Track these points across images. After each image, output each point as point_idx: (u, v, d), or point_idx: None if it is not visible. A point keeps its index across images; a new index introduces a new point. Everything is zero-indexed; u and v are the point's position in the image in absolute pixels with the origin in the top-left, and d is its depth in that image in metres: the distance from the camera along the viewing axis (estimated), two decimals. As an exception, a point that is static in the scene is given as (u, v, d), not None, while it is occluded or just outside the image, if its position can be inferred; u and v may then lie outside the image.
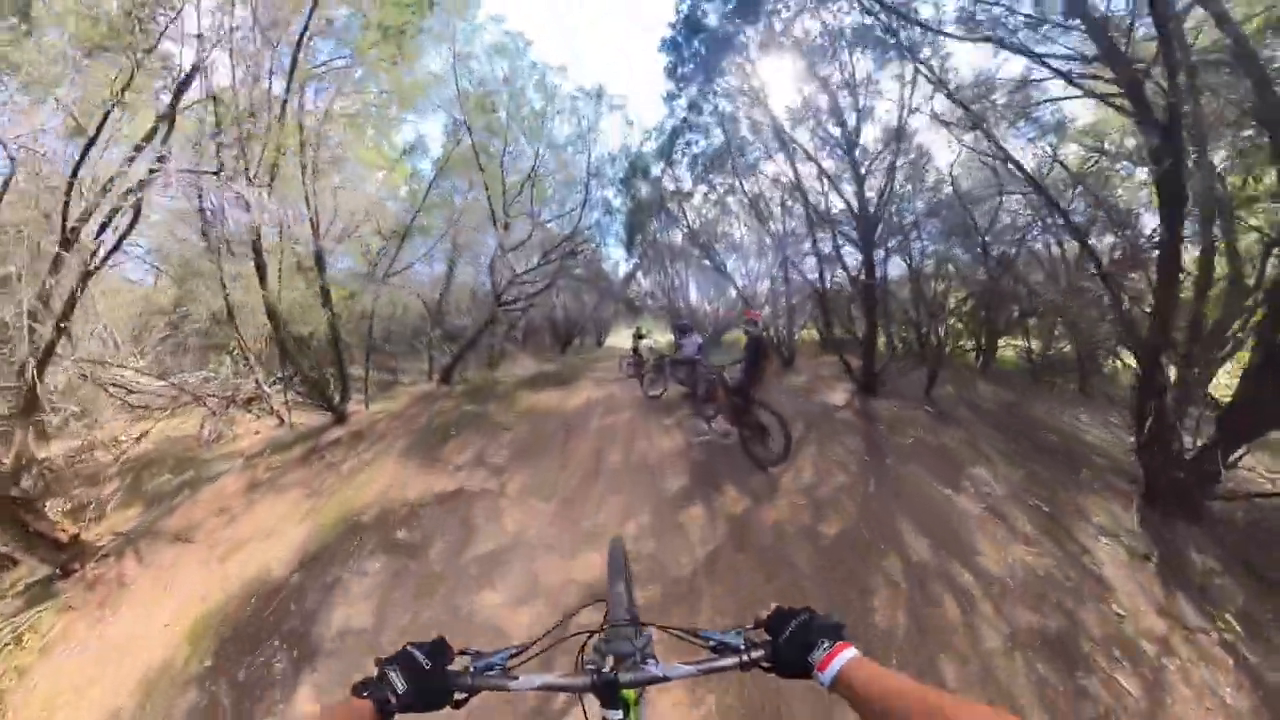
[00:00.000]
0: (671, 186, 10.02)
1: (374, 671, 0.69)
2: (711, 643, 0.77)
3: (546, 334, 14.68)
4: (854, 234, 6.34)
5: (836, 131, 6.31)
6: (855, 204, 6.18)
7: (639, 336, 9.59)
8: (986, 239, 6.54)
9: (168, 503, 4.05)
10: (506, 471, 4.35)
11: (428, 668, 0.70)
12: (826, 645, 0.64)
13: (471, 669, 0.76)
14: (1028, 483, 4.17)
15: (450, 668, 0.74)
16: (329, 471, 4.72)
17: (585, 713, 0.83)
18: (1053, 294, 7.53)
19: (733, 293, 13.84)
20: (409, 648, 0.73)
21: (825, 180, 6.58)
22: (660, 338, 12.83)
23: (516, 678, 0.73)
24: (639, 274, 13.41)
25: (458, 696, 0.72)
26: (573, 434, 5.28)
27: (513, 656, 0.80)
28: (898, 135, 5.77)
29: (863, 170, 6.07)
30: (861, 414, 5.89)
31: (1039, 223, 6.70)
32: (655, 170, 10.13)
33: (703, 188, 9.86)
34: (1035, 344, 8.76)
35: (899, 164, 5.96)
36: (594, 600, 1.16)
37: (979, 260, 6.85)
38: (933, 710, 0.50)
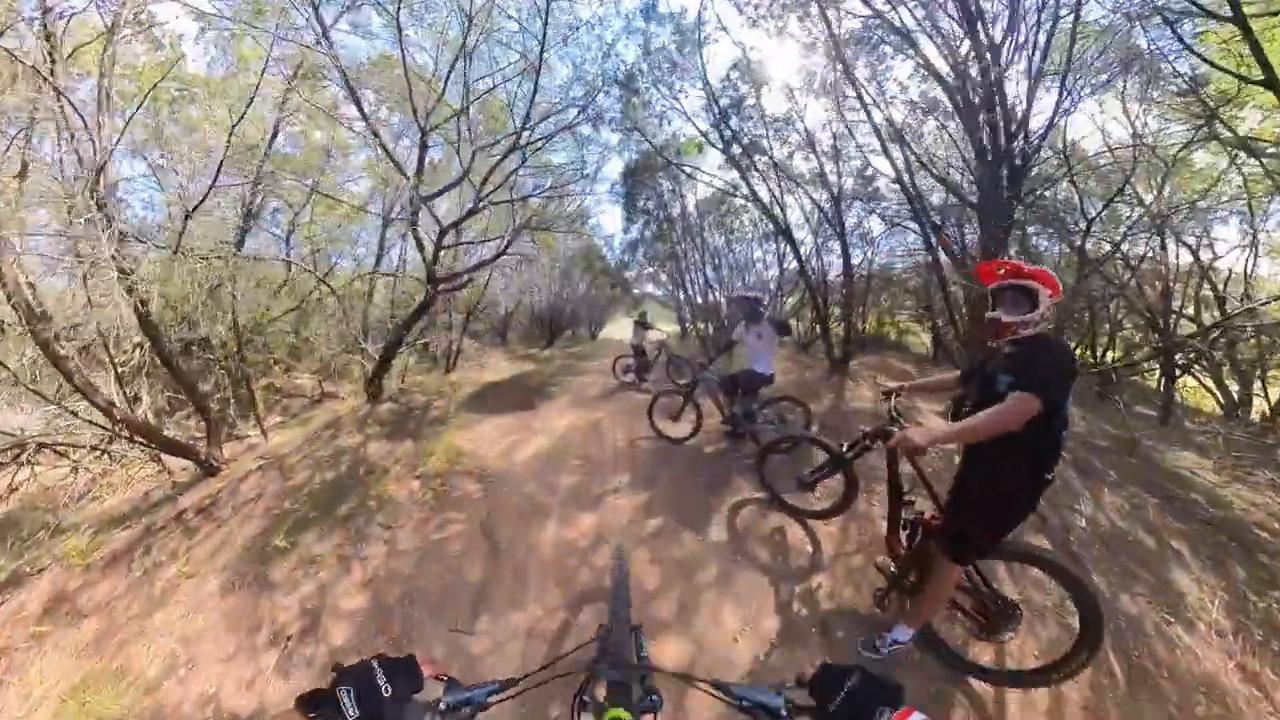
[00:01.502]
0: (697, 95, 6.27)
1: (331, 681, 0.60)
2: (745, 703, 0.64)
3: (534, 325, 12.53)
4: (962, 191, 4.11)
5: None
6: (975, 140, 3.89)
7: (642, 324, 7.26)
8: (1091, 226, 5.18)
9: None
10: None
11: (387, 694, 0.60)
12: (887, 715, 0.54)
13: (443, 705, 0.65)
14: (1238, 597, 2.64)
15: (418, 696, 0.64)
16: (133, 595, 2.93)
17: None
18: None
19: (750, 273, 11.48)
20: (374, 662, 0.62)
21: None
22: (667, 328, 10.63)
23: None
24: (639, 250, 11.01)
25: None
26: (487, 589, 2.39)
27: (495, 694, 0.70)
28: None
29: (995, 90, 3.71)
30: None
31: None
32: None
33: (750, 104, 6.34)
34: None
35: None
36: (591, 639, 0.97)
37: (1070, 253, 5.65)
38: None
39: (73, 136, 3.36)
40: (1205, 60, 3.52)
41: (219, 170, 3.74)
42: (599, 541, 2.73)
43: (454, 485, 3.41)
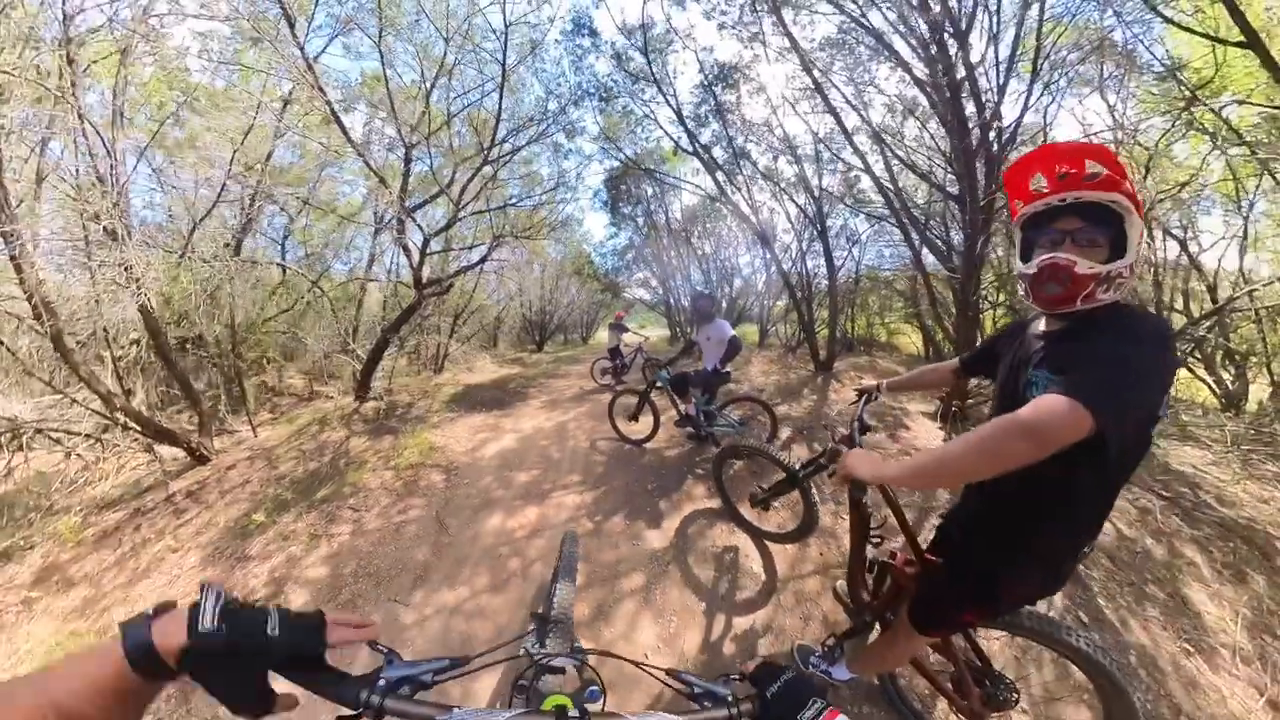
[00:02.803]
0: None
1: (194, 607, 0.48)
2: (695, 689, 0.67)
3: (525, 329, 12.88)
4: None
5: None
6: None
7: (618, 327, 7.41)
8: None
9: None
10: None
11: (273, 634, 0.49)
12: (819, 706, 0.57)
13: (382, 681, 0.56)
14: (1261, 613, 2.28)
15: (349, 668, 0.55)
16: (120, 568, 3.17)
17: None
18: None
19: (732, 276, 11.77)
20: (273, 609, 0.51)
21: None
22: (652, 333, 10.91)
23: (449, 711, 0.53)
24: (628, 255, 11.33)
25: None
26: (429, 568, 2.58)
27: (442, 671, 0.63)
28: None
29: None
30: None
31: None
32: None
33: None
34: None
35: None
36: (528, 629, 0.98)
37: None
38: None
39: (90, 151, 3.70)
40: (1181, 27, 3.49)
41: (222, 189, 4.05)
42: (534, 535, 2.95)
43: (422, 476, 3.73)
